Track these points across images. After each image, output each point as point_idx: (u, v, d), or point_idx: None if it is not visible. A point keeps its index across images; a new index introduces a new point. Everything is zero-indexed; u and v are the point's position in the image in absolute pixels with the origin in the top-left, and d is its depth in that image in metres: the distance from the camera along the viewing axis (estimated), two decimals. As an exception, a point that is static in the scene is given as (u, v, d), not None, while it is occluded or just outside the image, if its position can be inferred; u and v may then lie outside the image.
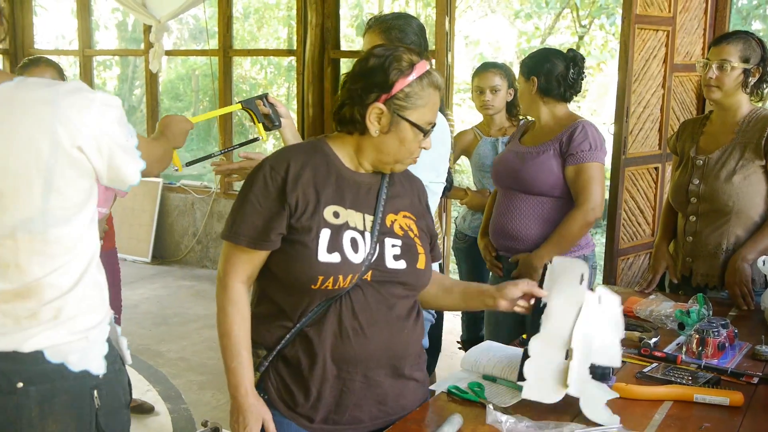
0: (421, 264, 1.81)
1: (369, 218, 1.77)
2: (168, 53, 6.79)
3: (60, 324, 1.58)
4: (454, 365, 3.99)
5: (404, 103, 1.70)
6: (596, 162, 2.77)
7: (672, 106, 3.85)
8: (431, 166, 2.38)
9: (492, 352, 2.08)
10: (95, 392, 1.63)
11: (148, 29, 6.60)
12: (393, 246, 1.77)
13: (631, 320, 2.44)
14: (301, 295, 1.71)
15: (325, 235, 1.69)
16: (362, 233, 1.74)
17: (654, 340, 2.20)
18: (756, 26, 9.26)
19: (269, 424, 1.73)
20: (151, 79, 6.89)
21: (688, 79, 3.94)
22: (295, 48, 5.96)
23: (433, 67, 1.77)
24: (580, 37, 10.04)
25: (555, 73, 2.84)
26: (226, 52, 6.40)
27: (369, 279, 1.73)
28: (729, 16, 4.00)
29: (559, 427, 1.63)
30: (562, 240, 2.79)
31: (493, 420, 1.67)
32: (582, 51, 10.22)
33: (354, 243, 1.71)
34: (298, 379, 1.74)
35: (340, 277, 1.68)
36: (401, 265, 1.77)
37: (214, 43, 6.44)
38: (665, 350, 2.16)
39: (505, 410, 1.76)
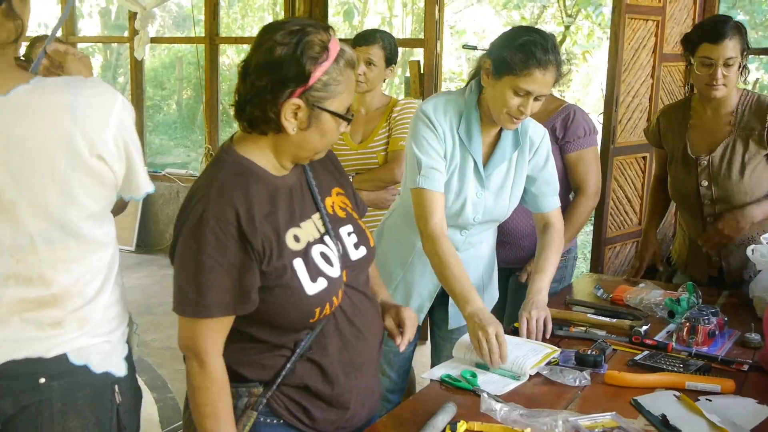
0: (372, 241, 1.75)
1: (317, 217, 1.64)
2: (153, 40, 6.72)
3: (85, 333, 1.55)
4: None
5: (323, 93, 1.50)
6: (593, 146, 2.78)
7: (660, 95, 3.86)
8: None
9: None
10: (116, 387, 1.60)
11: (133, 16, 6.53)
12: (349, 234, 1.68)
13: (621, 309, 2.45)
14: (297, 331, 1.59)
15: (300, 266, 1.54)
16: (323, 240, 1.62)
17: (645, 328, 2.20)
18: (740, 18, 9.30)
19: None
20: (136, 66, 6.83)
21: (676, 69, 3.94)
22: (281, 36, 5.91)
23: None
24: (566, 27, 10.04)
25: None
26: (213, 39, 6.35)
27: (345, 280, 1.63)
28: (718, 6, 4.01)
29: (553, 414, 1.63)
30: (574, 228, 2.77)
31: (487, 408, 1.67)
32: (568, 41, 10.24)
33: (325, 257, 1.59)
34: (312, 399, 1.63)
35: (334, 298, 1.58)
36: (362, 252, 1.69)
37: (199, 31, 6.38)
38: (656, 338, 2.17)
39: (499, 398, 1.76)
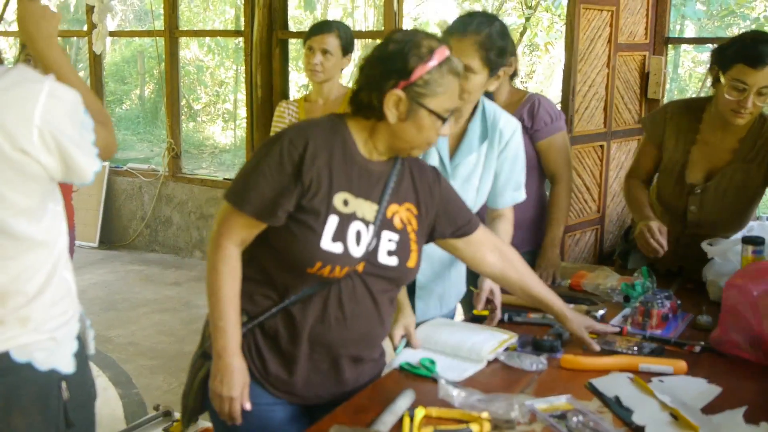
0: (411, 263, 1.81)
1: (374, 208, 1.75)
2: (112, 34, 6.64)
3: (28, 331, 1.53)
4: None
5: (423, 91, 1.66)
6: (561, 132, 2.80)
7: (616, 85, 3.92)
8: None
9: (443, 327, 2.11)
10: (63, 384, 1.58)
11: (90, 9, 6.44)
12: (389, 241, 1.77)
13: (579, 294, 2.50)
14: (293, 274, 1.70)
15: (332, 222, 1.68)
16: (367, 225, 1.73)
17: (601, 312, 2.25)
18: (699, 7, 9.44)
19: (246, 391, 1.72)
20: (95, 61, 6.74)
21: (631, 58, 4.00)
22: (242, 29, 5.89)
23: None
24: (527, 19, 10.11)
25: None
26: (172, 32, 6.29)
27: (360, 270, 1.73)
28: (672, -4, 4.06)
29: (509, 399, 1.66)
30: (561, 218, 2.80)
31: (445, 394, 1.69)
32: (528, 32, 10.32)
33: (358, 236, 1.71)
34: (274, 351, 1.76)
35: (338, 267, 1.68)
36: (393, 261, 1.77)
37: (159, 24, 6.32)
38: (611, 322, 2.21)
39: (457, 384, 1.78)
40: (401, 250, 1.79)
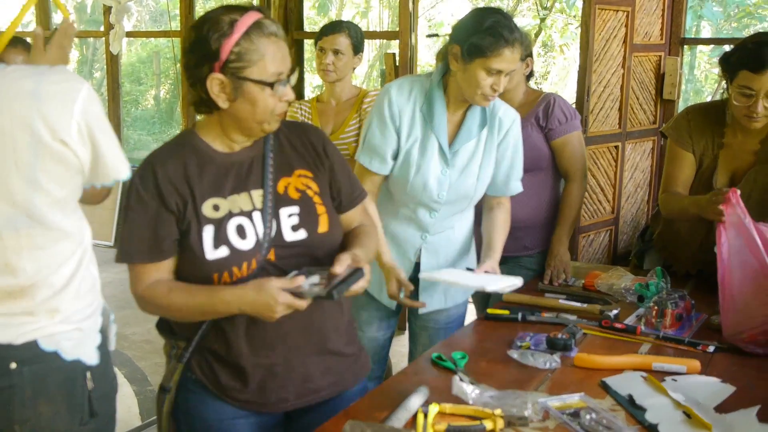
0: (323, 227, 1.73)
1: (258, 193, 1.69)
2: (128, 35, 6.69)
3: (56, 322, 1.57)
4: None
5: (240, 64, 1.58)
6: (576, 131, 2.81)
7: (632, 85, 3.91)
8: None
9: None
10: (88, 374, 1.62)
11: (107, 10, 6.49)
12: (290, 216, 1.70)
13: (593, 294, 2.50)
14: None
15: (208, 232, 1.63)
16: (250, 214, 1.67)
17: (614, 312, 2.25)
18: (715, 8, 9.39)
19: (285, 283, 1.58)
20: (112, 61, 6.79)
21: (647, 59, 3.99)
22: (257, 29, 5.91)
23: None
24: (542, 20, 10.09)
25: None
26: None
27: (273, 259, 1.67)
28: (687, -2, 4.05)
29: (523, 396, 1.67)
30: (573, 216, 2.81)
31: (458, 391, 1.70)
32: (543, 34, 10.29)
33: (240, 230, 1.65)
34: (221, 363, 1.71)
35: (234, 268, 1.63)
36: (301, 235, 1.70)
37: (175, 25, 6.36)
38: (625, 322, 2.22)
39: (473, 380, 1.80)
40: (306, 220, 1.71)
